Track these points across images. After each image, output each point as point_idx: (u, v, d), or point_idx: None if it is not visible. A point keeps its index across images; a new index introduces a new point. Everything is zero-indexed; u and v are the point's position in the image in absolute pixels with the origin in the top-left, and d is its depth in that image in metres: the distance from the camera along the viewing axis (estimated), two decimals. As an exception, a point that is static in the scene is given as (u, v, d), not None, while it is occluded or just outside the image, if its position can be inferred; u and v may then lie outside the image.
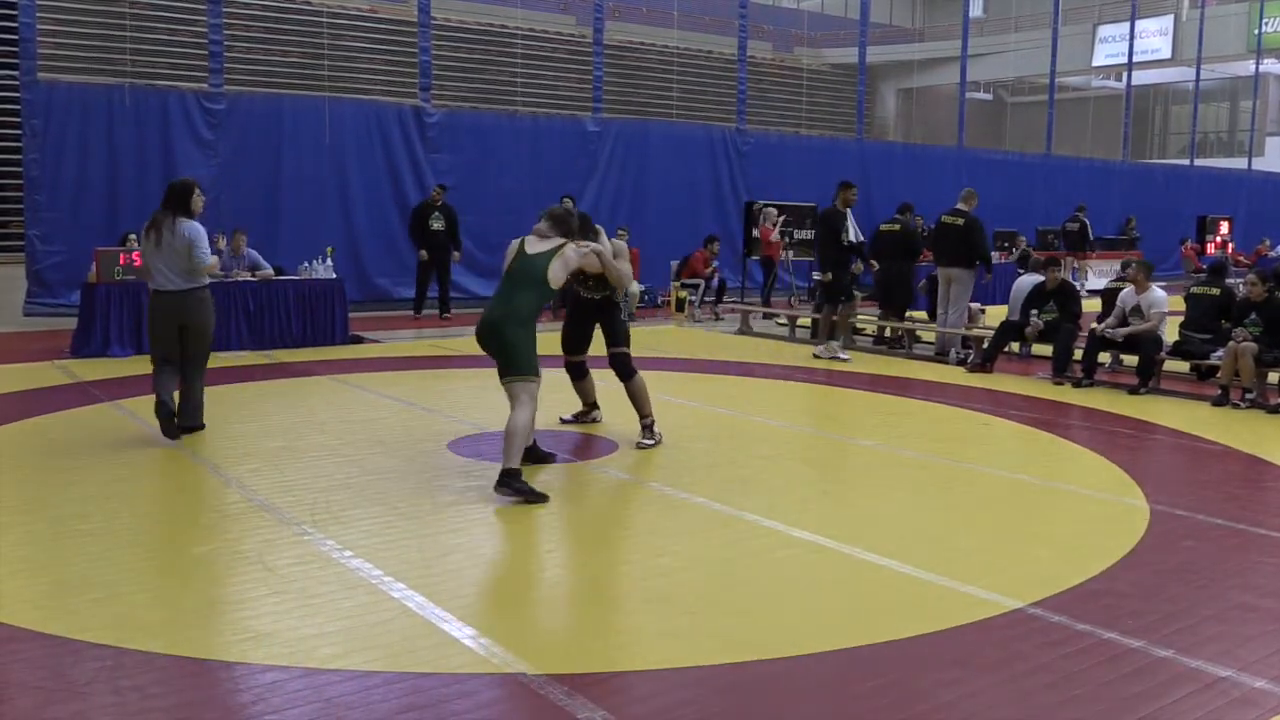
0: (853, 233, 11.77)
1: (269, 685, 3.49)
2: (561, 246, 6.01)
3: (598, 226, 6.84)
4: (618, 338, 7.19)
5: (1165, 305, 9.95)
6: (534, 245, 6.06)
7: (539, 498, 5.67)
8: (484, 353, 6.04)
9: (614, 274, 6.50)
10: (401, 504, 5.62)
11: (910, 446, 7.35)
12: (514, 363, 5.81)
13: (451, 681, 3.56)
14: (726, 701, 3.46)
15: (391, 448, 6.92)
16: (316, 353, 11.16)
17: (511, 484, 5.64)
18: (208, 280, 7.19)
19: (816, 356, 11.58)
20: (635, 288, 7.21)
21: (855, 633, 4.01)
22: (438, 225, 14.54)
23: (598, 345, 7.42)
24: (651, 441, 7.05)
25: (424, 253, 14.43)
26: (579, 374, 7.58)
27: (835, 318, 11.84)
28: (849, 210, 11.72)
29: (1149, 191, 25.18)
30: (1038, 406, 8.98)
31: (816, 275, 11.97)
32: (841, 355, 11.46)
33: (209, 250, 7.10)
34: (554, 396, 8.28)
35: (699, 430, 7.69)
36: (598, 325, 7.34)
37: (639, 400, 7.12)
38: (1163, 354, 9.91)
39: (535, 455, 6.40)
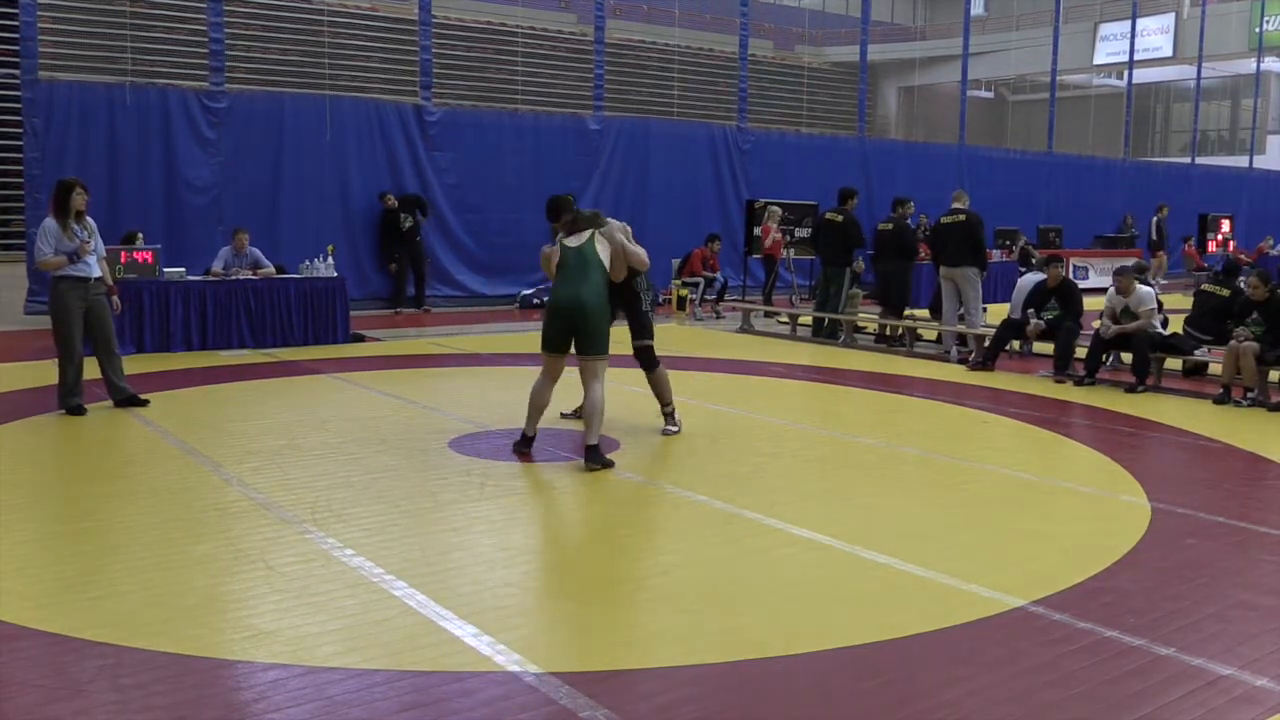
0: None
1: (270, 683, 3.49)
2: (592, 235, 6.50)
3: (603, 216, 6.94)
4: (642, 331, 7.38)
5: (1153, 301, 10.01)
6: (570, 243, 6.55)
7: (610, 464, 6.34)
8: (554, 328, 6.43)
9: (635, 258, 6.91)
10: (403, 502, 5.63)
11: (911, 444, 7.35)
12: (598, 341, 6.41)
13: (453, 680, 3.56)
14: (728, 699, 3.47)
15: (393, 446, 6.92)
16: (318, 351, 11.17)
17: (598, 458, 6.28)
18: (57, 273, 7.66)
19: None
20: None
21: (856, 631, 4.01)
22: (408, 224, 14.80)
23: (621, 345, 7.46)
24: (675, 429, 7.40)
25: (393, 266, 14.91)
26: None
27: None
28: None
29: (1150, 190, 25.15)
30: (1039, 404, 8.98)
31: None
32: None
33: (41, 248, 7.65)
34: (554, 393, 8.28)
35: (700, 428, 7.69)
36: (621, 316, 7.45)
37: (661, 389, 7.43)
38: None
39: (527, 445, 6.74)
